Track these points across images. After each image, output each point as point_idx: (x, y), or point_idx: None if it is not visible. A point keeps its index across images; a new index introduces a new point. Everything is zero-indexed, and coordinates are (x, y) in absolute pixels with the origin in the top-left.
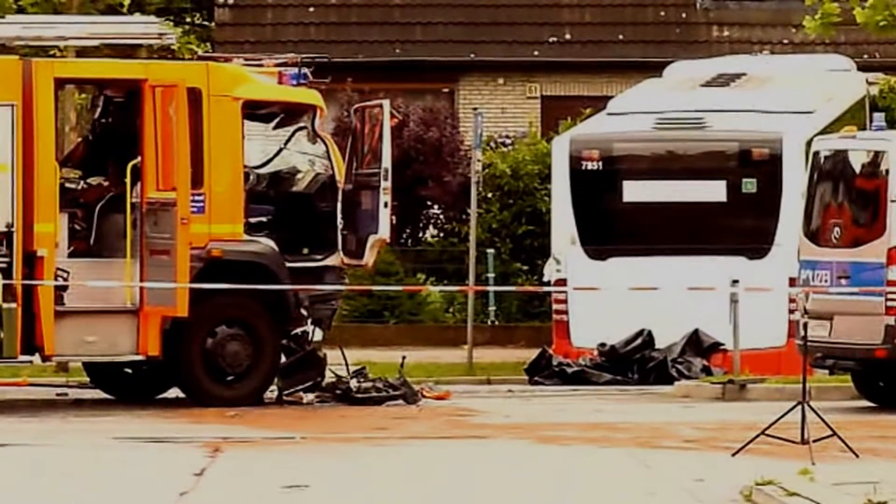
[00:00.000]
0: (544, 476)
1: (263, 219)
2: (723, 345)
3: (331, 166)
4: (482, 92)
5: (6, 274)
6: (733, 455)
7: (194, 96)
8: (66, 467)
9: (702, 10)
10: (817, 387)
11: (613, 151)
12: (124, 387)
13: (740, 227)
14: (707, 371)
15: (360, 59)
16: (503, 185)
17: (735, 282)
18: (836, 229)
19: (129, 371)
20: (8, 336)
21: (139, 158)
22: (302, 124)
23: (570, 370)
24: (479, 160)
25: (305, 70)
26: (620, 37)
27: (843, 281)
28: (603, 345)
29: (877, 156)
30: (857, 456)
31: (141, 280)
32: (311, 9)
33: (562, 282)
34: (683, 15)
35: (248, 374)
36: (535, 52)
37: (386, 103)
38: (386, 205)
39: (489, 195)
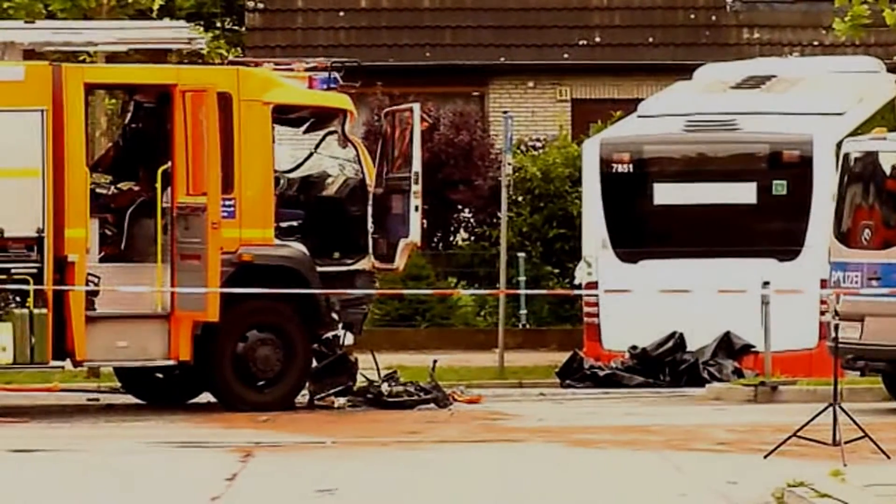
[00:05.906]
0: (577, 479)
1: (294, 223)
2: (754, 347)
3: (361, 170)
4: (512, 95)
5: (37, 279)
6: (765, 457)
7: (224, 101)
8: (97, 473)
9: (732, 13)
10: (848, 388)
11: (644, 154)
12: (155, 392)
13: (771, 229)
14: (738, 373)
15: (391, 63)
16: (533, 189)
17: (766, 284)
18: (867, 231)
19: (161, 376)
20: (39, 341)
21: (169, 163)
22: (332, 128)
23: (601, 373)
24: (509, 163)
25: (335, 74)
26: (650, 39)
27: (873, 282)
28: (634, 347)
29: None
30: (888, 457)
31: (172, 285)
32: (342, 13)
33: (593, 285)
34: (713, 17)
35: (280, 379)
36: (565, 55)
37: (416, 107)
38: (416, 208)
39: (519, 198)
